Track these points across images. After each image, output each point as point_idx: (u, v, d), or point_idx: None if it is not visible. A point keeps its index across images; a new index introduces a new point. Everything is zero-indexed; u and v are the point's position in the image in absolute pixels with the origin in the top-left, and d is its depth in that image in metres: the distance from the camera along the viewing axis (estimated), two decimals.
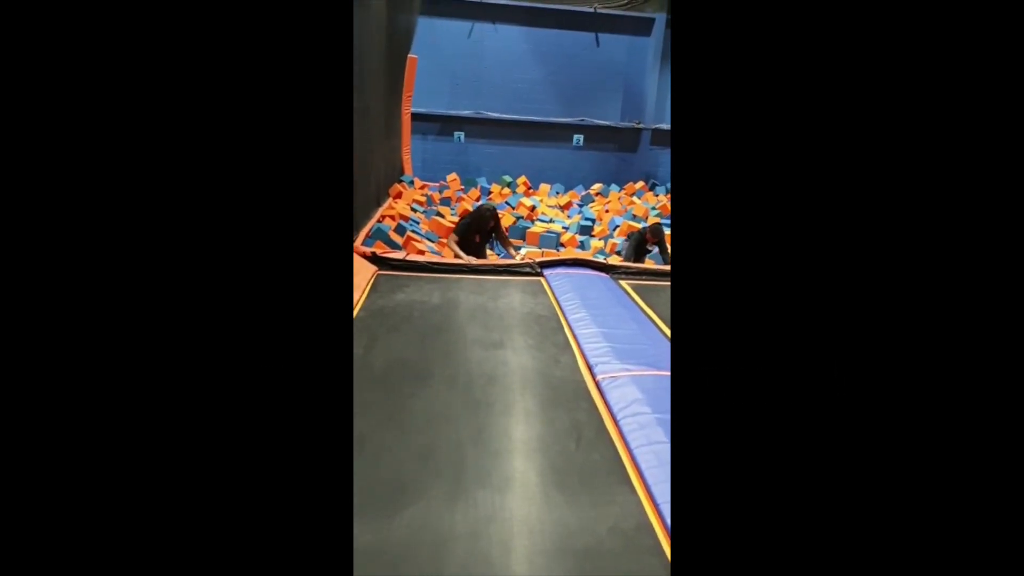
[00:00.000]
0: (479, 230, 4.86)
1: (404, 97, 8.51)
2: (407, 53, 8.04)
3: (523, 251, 4.84)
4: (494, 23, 9.73)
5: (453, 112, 9.92)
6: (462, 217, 5.39)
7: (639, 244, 5.31)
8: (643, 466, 2.09)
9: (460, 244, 4.83)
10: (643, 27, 9.88)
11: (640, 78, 10.11)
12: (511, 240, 4.98)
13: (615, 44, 10.09)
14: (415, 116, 9.26)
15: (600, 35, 10.05)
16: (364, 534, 1.73)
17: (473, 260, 4.66)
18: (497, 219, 4.96)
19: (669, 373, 1.57)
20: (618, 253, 5.51)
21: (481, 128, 10.09)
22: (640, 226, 5.97)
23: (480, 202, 7.46)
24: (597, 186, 9.15)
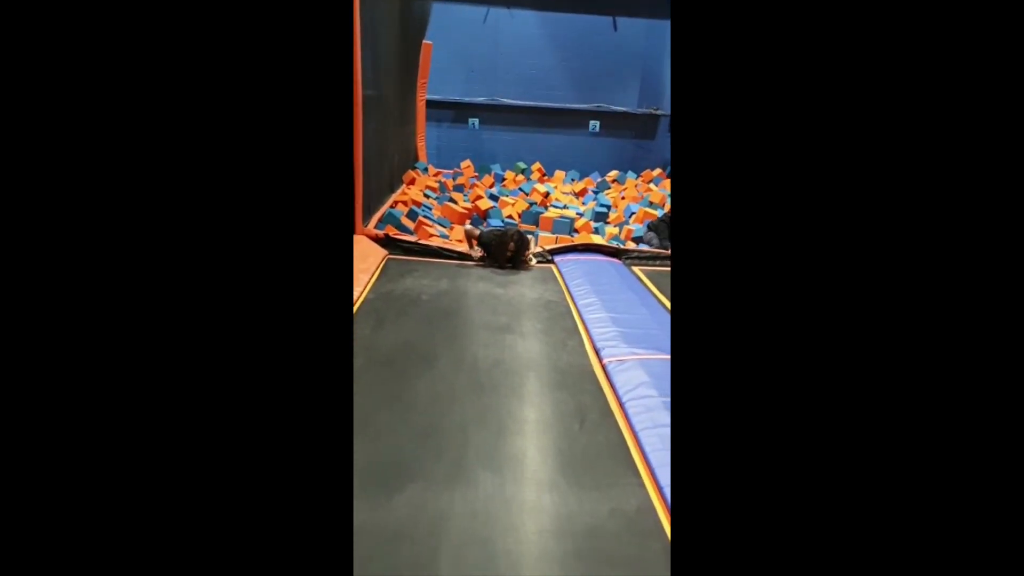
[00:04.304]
0: (499, 253, 4.46)
1: (419, 84, 8.47)
2: (422, 40, 7.99)
3: (533, 261, 4.66)
4: (509, 8, 9.61)
5: (468, 99, 9.84)
6: (484, 226, 5.08)
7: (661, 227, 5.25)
8: (647, 448, 2.06)
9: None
10: (662, 9, 9.64)
11: (659, 63, 9.90)
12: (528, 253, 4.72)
13: (633, 27, 9.90)
14: (430, 103, 9.22)
15: (618, 18, 9.87)
16: (361, 511, 1.73)
17: (479, 252, 4.58)
18: (521, 244, 4.50)
19: None
20: (635, 239, 5.40)
21: (496, 115, 10.00)
22: (658, 214, 5.86)
23: (494, 190, 7.32)
24: (613, 173, 9.02)
